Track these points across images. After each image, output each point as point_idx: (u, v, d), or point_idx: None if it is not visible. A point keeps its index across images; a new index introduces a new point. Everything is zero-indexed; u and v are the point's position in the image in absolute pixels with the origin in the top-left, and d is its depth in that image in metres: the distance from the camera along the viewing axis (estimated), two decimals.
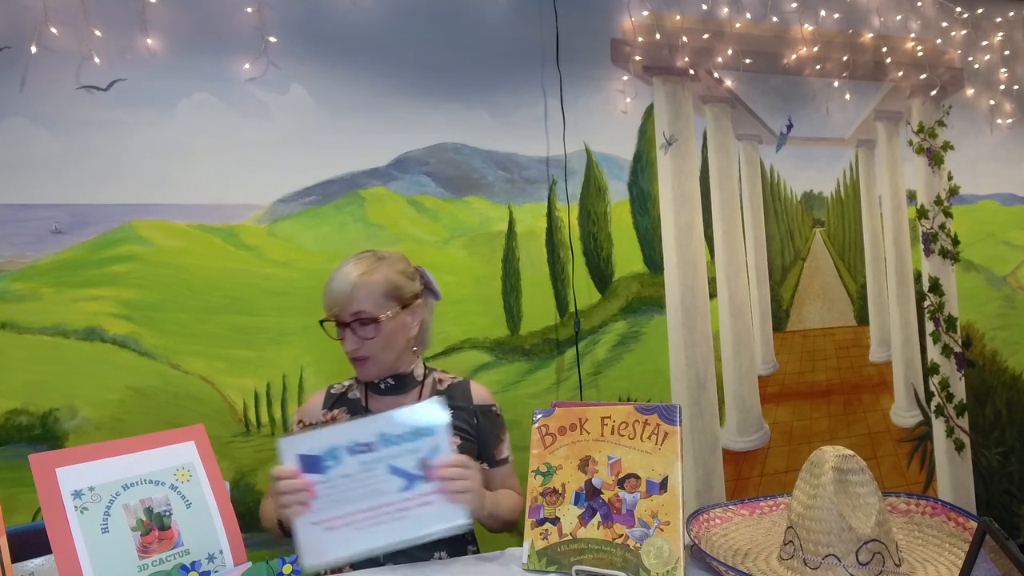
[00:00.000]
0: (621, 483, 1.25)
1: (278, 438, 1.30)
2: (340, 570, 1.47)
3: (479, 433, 1.62)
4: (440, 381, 1.68)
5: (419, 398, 1.63)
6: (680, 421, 1.26)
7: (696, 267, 2.67)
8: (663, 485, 1.22)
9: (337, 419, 1.63)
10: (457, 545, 1.55)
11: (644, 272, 2.61)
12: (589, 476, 1.27)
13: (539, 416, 1.34)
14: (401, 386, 1.64)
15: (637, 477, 1.25)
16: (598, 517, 1.25)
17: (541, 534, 1.26)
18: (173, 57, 2.09)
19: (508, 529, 1.60)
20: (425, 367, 1.70)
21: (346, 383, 1.70)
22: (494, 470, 1.63)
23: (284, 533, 1.37)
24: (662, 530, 1.20)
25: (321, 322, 1.61)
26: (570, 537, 1.24)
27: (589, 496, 1.26)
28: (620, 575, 1.17)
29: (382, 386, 1.64)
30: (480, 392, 1.68)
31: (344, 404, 1.66)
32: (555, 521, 1.26)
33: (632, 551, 1.20)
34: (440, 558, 1.49)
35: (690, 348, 2.65)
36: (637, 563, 1.19)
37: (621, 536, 1.22)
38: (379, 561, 1.42)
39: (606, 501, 1.25)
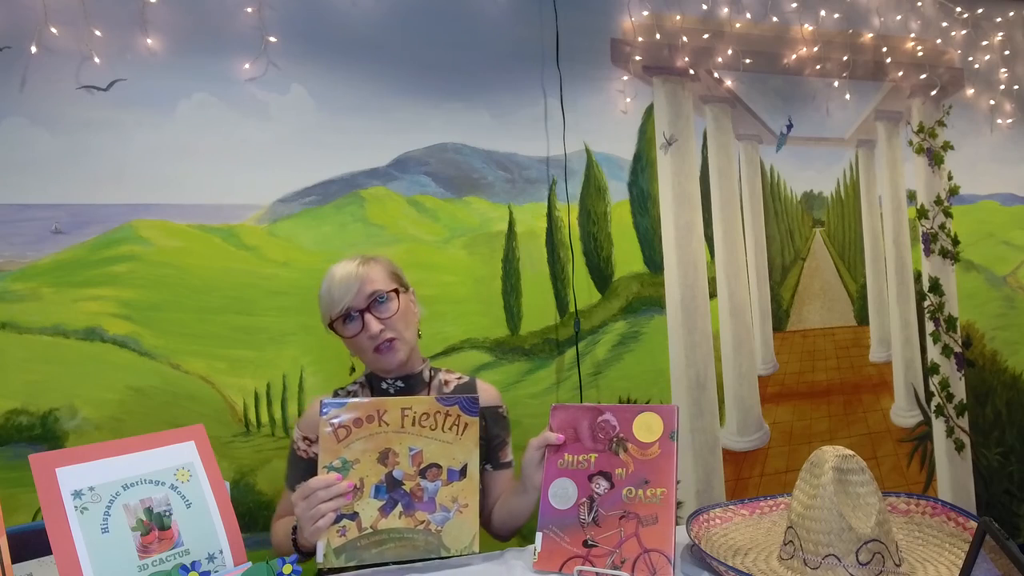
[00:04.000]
0: (423, 473, 1.29)
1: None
2: (342, 569, 1.47)
3: (486, 435, 1.59)
4: (446, 383, 1.66)
5: None
6: (478, 412, 1.33)
7: (696, 267, 2.67)
8: (463, 472, 1.30)
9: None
10: None
11: (644, 272, 2.61)
12: (390, 468, 1.28)
13: (330, 408, 1.29)
14: (410, 388, 1.62)
15: (439, 466, 1.29)
16: (400, 507, 1.27)
17: (338, 531, 1.25)
18: (173, 57, 2.09)
19: (513, 535, 1.59)
20: (431, 368, 1.69)
21: (350, 388, 1.67)
22: (498, 473, 1.61)
23: (303, 553, 1.35)
24: (461, 512, 1.28)
25: (330, 324, 1.55)
26: (370, 530, 1.26)
27: (390, 488, 1.28)
28: (623, 575, 1.17)
29: (391, 390, 1.61)
30: (488, 392, 1.66)
31: None
32: (353, 516, 1.26)
33: (434, 534, 1.27)
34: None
35: (690, 348, 2.64)
36: (438, 544, 1.26)
37: (423, 522, 1.27)
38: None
39: (408, 491, 1.28)
